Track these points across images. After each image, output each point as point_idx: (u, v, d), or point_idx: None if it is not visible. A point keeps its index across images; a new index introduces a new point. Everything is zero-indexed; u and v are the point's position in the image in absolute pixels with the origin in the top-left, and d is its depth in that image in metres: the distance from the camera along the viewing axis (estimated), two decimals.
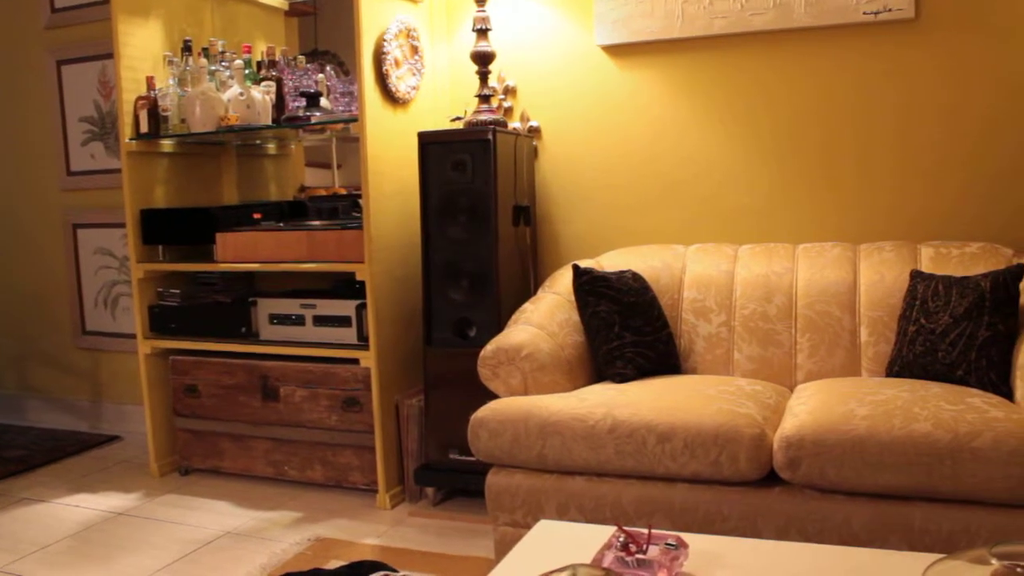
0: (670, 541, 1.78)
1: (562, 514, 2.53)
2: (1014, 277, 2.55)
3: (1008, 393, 2.47)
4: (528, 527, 2.51)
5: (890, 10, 3.09)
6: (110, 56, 4.04)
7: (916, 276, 2.78)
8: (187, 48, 3.64)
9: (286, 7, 4.07)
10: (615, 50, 3.47)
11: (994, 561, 1.44)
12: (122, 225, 4.20)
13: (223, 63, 3.63)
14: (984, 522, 2.16)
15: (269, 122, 3.56)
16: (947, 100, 3.09)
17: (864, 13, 3.12)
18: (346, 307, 3.38)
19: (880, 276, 2.90)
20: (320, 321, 3.43)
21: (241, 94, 3.52)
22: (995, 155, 3.05)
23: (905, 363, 2.67)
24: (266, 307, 3.55)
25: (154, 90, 3.62)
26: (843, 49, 3.19)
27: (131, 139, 3.63)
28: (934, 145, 3.12)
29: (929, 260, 2.88)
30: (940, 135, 3.11)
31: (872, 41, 3.15)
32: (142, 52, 3.66)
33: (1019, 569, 1.41)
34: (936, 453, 2.17)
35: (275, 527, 3.16)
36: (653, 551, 1.76)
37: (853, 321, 2.88)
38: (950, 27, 3.06)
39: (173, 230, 3.65)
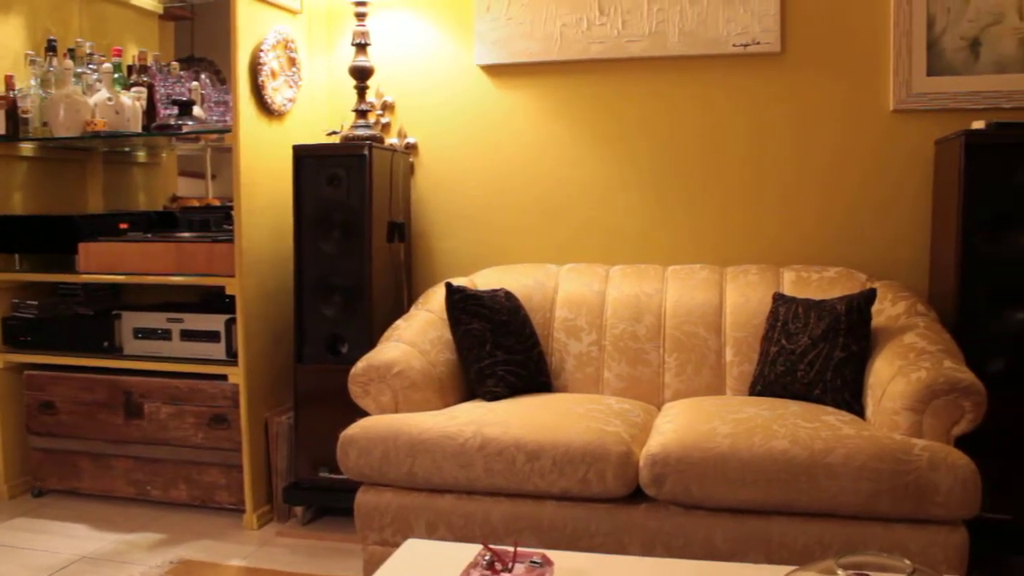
0: (535, 559, 1.80)
1: (431, 532, 2.51)
2: (867, 301, 2.68)
3: (860, 411, 2.59)
4: (397, 546, 2.48)
5: (758, 43, 3.22)
6: None
7: (778, 299, 2.89)
8: (51, 48, 3.49)
9: (161, 11, 3.96)
10: (494, 70, 3.50)
11: (840, 571, 1.50)
12: None
13: (91, 66, 3.50)
14: (837, 534, 2.26)
15: (139, 129, 3.44)
16: (809, 131, 3.23)
17: (734, 45, 3.24)
18: (215, 322, 3.29)
19: (745, 298, 3.00)
20: (188, 336, 3.33)
21: (109, 99, 3.40)
22: (845, 184, 3.21)
23: (767, 382, 2.77)
24: (131, 320, 3.43)
25: (13, 90, 3.46)
26: (715, 78, 3.30)
27: None
28: (797, 173, 3.25)
29: (791, 284, 3.00)
30: (802, 164, 3.24)
31: (742, 72, 3.28)
32: (1, 50, 3.49)
33: None
34: (793, 469, 2.25)
35: (136, 550, 3.04)
36: (519, 569, 1.77)
37: (719, 341, 2.97)
38: (813, 62, 3.21)
39: (32, 238, 3.49)
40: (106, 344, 3.47)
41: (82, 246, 3.41)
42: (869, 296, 2.69)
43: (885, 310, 2.81)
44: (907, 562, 1.49)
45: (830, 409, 2.55)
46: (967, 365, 2.43)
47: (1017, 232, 2.70)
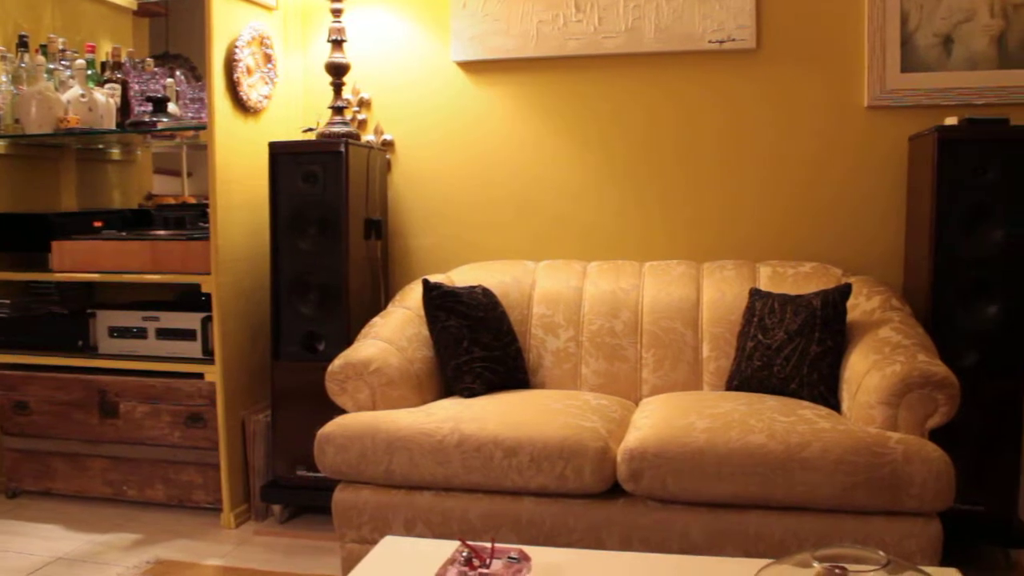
0: (513, 555, 1.80)
1: (409, 529, 2.51)
2: (842, 296, 2.69)
3: (836, 405, 2.61)
4: (375, 543, 2.48)
5: (734, 40, 3.23)
6: None
7: (754, 294, 2.90)
8: (23, 44, 3.45)
9: (135, 7, 3.92)
10: (471, 66, 3.49)
11: (816, 564, 1.52)
12: None
13: (63, 62, 3.46)
14: (813, 528, 2.28)
15: (112, 126, 3.42)
16: (785, 127, 3.25)
17: (710, 41, 3.25)
18: (191, 320, 3.27)
19: (721, 293, 3.01)
20: (163, 334, 3.31)
21: (82, 95, 3.37)
22: (821, 180, 3.23)
23: (744, 377, 2.78)
24: (106, 319, 3.40)
25: None
26: (691, 75, 3.31)
27: None
28: (773, 169, 3.27)
29: (767, 279, 3.02)
30: (777, 160, 3.26)
31: (718, 68, 3.29)
32: None
33: (837, 571, 1.49)
34: (769, 463, 2.26)
35: (112, 550, 3.02)
36: (496, 565, 1.77)
37: (696, 337, 2.98)
38: (788, 58, 3.22)
39: (4, 236, 3.46)
40: (80, 343, 3.44)
41: (55, 244, 3.37)
42: (844, 291, 2.71)
43: (860, 305, 2.83)
44: (881, 554, 1.51)
45: (806, 403, 2.57)
46: (941, 359, 2.45)
47: (989, 227, 2.73)
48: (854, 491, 2.22)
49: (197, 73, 3.61)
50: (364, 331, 2.95)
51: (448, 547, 1.90)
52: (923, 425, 2.34)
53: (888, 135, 3.16)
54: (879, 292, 2.87)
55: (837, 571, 1.49)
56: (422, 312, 2.95)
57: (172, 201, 3.93)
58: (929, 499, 2.20)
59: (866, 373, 2.45)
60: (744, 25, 3.21)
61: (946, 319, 2.75)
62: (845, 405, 2.56)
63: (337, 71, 3.34)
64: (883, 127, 3.17)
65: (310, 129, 3.41)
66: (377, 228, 3.29)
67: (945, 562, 2.10)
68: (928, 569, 1.60)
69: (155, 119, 3.32)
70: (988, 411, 2.69)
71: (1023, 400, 2.71)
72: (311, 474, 3.11)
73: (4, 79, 3.43)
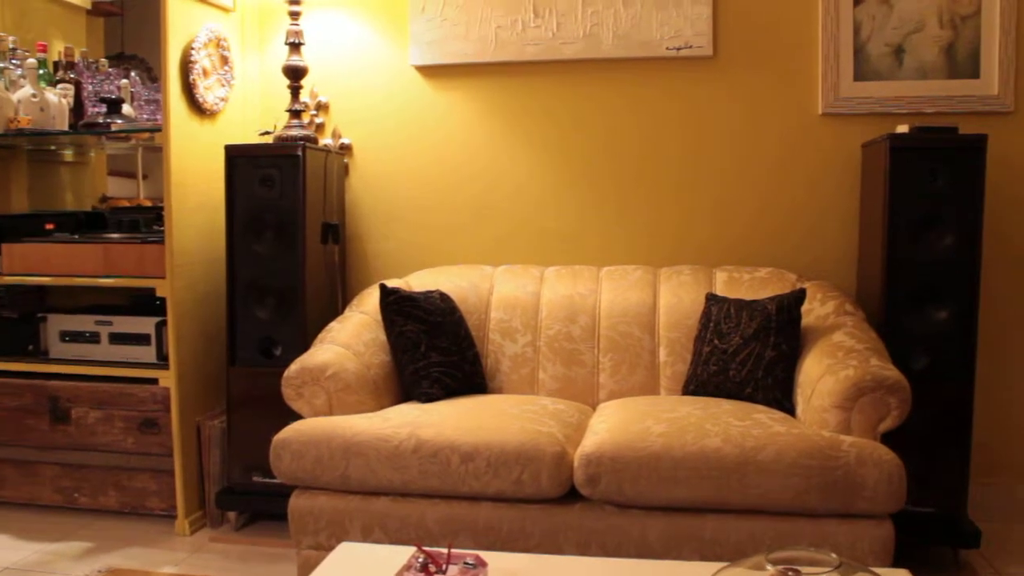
0: (469, 560, 1.80)
1: (366, 535, 2.50)
2: (796, 301, 2.73)
3: (791, 409, 2.63)
4: (332, 550, 2.46)
5: (691, 47, 3.26)
6: None
7: (711, 299, 2.92)
8: None
9: (89, 6, 3.86)
10: (429, 71, 3.49)
11: (770, 566, 1.54)
12: None
13: (14, 61, 3.40)
14: (768, 530, 2.30)
15: (65, 127, 3.37)
16: (741, 133, 3.28)
17: (667, 48, 3.28)
18: (145, 324, 3.22)
19: (678, 298, 3.03)
20: (117, 339, 3.26)
21: (34, 95, 3.32)
22: (777, 186, 3.27)
23: (700, 382, 2.80)
24: (57, 323, 3.35)
25: None
26: (649, 81, 3.34)
27: None
28: (729, 175, 3.30)
29: (723, 284, 3.04)
30: (733, 166, 3.29)
31: (675, 75, 3.31)
32: None
33: (791, 573, 1.51)
34: (725, 467, 2.28)
35: (62, 559, 2.96)
36: (452, 571, 1.77)
37: (653, 341, 3.00)
38: (744, 65, 3.26)
39: None
40: (31, 348, 3.38)
41: (5, 247, 3.32)
42: (799, 296, 2.74)
43: (814, 310, 2.87)
44: (834, 556, 1.53)
45: (761, 407, 2.60)
46: (893, 363, 2.49)
47: (939, 233, 2.77)
48: (808, 494, 2.25)
49: (153, 74, 3.56)
50: (321, 336, 2.93)
51: (405, 553, 1.89)
52: (875, 428, 2.38)
53: (842, 142, 3.20)
54: (833, 297, 2.91)
55: (791, 573, 1.51)
56: (379, 317, 2.94)
57: (127, 204, 3.87)
58: (881, 501, 2.23)
59: (820, 377, 2.49)
60: (701, 32, 3.25)
61: (898, 323, 2.79)
62: (799, 409, 2.59)
63: (295, 74, 3.32)
64: (837, 134, 3.21)
65: (267, 132, 3.38)
66: (334, 232, 3.27)
67: (897, 563, 2.13)
68: (879, 570, 1.62)
69: (109, 120, 3.28)
70: (938, 414, 2.74)
71: (972, 403, 2.76)
72: (267, 480, 3.08)
73: None
